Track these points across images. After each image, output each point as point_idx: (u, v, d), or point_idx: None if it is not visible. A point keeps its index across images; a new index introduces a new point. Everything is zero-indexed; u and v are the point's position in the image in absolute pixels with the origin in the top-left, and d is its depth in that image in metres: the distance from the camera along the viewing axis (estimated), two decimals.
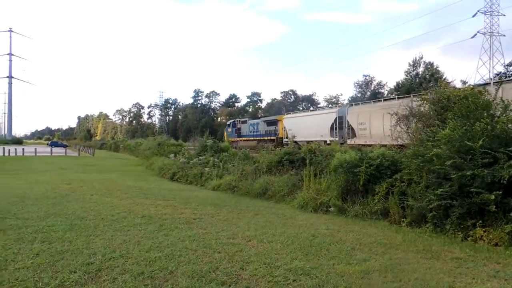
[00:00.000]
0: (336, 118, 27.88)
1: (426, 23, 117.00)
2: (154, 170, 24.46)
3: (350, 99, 75.00)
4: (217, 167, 18.32)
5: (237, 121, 50.38)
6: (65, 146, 73.94)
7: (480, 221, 6.75)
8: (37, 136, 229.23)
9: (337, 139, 26.21)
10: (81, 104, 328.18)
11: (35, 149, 50.58)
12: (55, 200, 10.04)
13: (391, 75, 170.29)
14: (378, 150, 10.37)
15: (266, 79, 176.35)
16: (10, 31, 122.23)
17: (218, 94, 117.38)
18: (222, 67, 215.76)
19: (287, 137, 32.65)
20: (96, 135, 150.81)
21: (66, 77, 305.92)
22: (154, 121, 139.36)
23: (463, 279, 4.71)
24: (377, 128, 22.58)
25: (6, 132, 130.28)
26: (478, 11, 58.18)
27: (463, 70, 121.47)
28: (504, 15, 57.89)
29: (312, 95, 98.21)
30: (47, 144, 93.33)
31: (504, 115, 7.71)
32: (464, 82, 13.92)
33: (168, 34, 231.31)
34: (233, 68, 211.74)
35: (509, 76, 42.27)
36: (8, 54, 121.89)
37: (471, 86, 12.21)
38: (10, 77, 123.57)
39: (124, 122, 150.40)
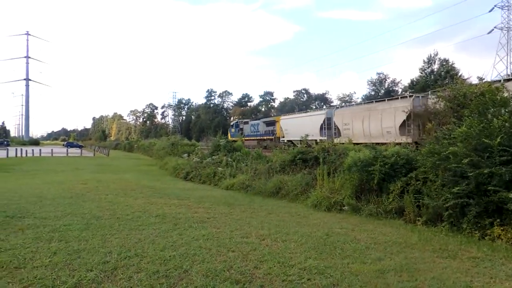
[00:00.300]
0: (325, 119, 30.43)
1: (441, 20, 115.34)
2: (168, 170, 24.64)
3: (363, 98, 74.43)
4: (230, 166, 18.36)
5: (239, 122, 53.54)
6: (80, 147, 75.13)
7: (498, 220, 6.62)
8: (53, 137, 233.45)
9: (326, 138, 28.52)
10: (96, 105, 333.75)
11: (52, 149, 51.49)
12: (72, 199, 10.19)
13: (406, 72, 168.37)
14: (393, 148, 10.27)
15: (279, 79, 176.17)
16: (27, 34, 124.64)
17: (231, 94, 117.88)
18: (235, 67, 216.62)
19: (283, 137, 36.57)
20: (111, 136, 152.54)
21: (81, 79, 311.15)
22: (168, 121, 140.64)
23: (481, 279, 4.63)
24: (358, 128, 25.28)
25: (23, 133, 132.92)
26: (495, 6, 57.08)
27: (479, 66, 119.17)
28: None
29: (325, 93, 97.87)
30: (63, 144, 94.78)
31: None
32: (480, 79, 13.70)
33: (181, 35, 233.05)
34: (246, 67, 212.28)
35: None
36: (25, 57, 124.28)
37: (488, 83, 12.00)
38: (27, 79, 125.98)
39: (138, 123, 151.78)
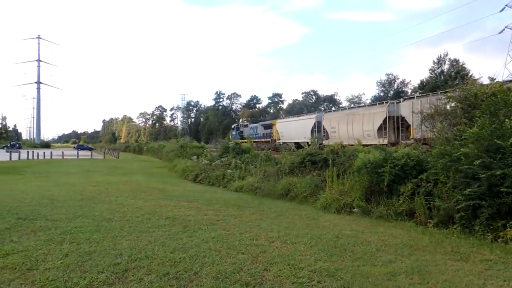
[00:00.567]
0: (315, 122, 33.10)
1: (451, 20, 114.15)
2: (177, 172, 24.74)
3: (372, 99, 74.07)
4: (239, 168, 18.36)
5: (240, 125, 57.61)
6: (90, 149, 75.70)
7: (511, 222, 6.53)
8: (64, 139, 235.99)
9: (315, 140, 30.22)
10: (106, 108, 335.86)
11: (62, 152, 52.03)
12: (82, 202, 10.28)
13: (415, 73, 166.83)
14: (403, 150, 10.18)
15: (288, 80, 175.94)
16: (39, 38, 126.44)
17: (239, 96, 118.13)
18: (244, 69, 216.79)
19: (279, 139, 39.59)
20: (121, 138, 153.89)
21: (91, 82, 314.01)
22: (177, 123, 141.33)
23: (494, 282, 4.57)
24: (343, 131, 28.25)
25: (35, 136, 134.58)
26: (506, 5, 56.16)
27: (490, 67, 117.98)
28: None
29: (334, 95, 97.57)
30: (74, 147, 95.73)
31: None
32: (492, 79, 13.55)
33: (190, 38, 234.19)
34: (255, 69, 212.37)
35: None
36: (36, 60, 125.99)
37: (500, 83, 11.86)
38: (38, 82, 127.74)
39: (148, 125, 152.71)
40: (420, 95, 26.23)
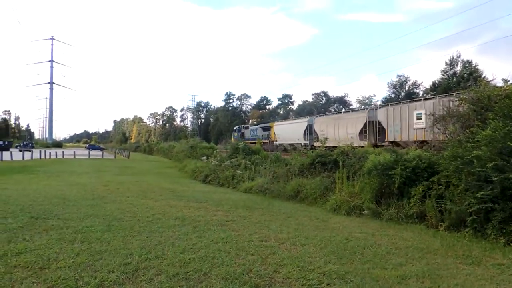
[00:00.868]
0: (307, 126, 35.81)
1: (463, 21, 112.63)
2: (187, 173, 24.85)
3: (383, 100, 73.43)
4: (248, 169, 18.38)
5: (241, 127, 60.52)
6: (102, 149, 76.55)
7: None
8: (76, 139, 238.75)
9: (308, 142, 34.97)
10: (117, 108, 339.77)
11: (74, 152, 52.65)
12: (93, 201, 10.37)
13: (427, 74, 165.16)
14: (414, 152, 10.10)
15: (298, 81, 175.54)
16: (52, 39, 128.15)
17: (249, 97, 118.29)
18: (254, 69, 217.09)
19: (276, 140, 42.76)
20: (131, 138, 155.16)
21: (103, 82, 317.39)
22: (187, 124, 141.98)
23: (506, 286, 4.51)
24: (331, 133, 30.94)
25: (47, 136, 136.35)
26: None
27: (504, 68, 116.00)
28: None
29: (344, 96, 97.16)
30: (85, 147, 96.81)
31: None
32: (505, 81, 13.37)
33: (201, 38, 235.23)
34: (264, 70, 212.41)
35: None
36: (49, 61, 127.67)
37: None
38: (51, 83, 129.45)
39: (158, 125, 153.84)
40: (394, 103, 30.57)
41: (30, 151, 49.37)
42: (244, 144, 25.11)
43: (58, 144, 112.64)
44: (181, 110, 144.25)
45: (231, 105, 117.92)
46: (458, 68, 55.40)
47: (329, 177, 12.46)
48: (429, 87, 61.77)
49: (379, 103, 75.14)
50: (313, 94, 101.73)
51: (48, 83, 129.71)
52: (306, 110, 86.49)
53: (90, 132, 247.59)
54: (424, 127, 21.37)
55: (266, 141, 46.44)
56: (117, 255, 5.32)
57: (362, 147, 21.58)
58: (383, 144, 24.28)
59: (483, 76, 47.80)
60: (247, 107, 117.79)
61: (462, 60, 55.30)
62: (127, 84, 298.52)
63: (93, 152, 58.47)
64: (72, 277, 4.45)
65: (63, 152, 51.37)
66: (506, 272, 5.05)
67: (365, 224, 8.49)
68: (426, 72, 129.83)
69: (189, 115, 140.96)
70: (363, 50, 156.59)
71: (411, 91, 71.59)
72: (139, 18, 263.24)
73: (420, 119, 22.34)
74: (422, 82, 74.71)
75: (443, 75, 56.80)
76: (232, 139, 55.45)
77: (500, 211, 6.64)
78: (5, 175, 19.31)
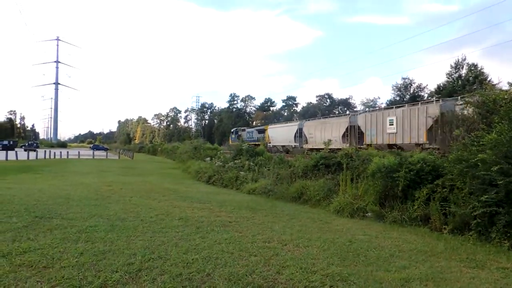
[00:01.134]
0: (297, 129, 37.70)
1: (469, 24, 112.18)
2: (191, 173, 24.88)
3: (388, 103, 73.11)
4: (252, 170, 18.38)
5: (238, 129, 61.73)
6: (106, 150, 76.81)
7: None
8: (80, 139, 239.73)
9: (298, 144, 37.05)
10: (121, 109, 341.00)
11: (79, 152, 52.90)
12: (97, 201, 10.41)
13: (432, 77, 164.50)
14: (419, 154, 10.06)
15: (302, 83, 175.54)
16: (57, 39, 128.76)
17: (253, 98, 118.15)
18: (258, 71, 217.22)
19: (270, 142, 44.36)
20: (135, 139, 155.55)
21: (108, 83, 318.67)
22: (191, 125, 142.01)
23: None
24: (318, 136, 32.65)
25: (52, 136, 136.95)
26: None
27: (510, 72, 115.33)
28: None
29: (349, 98, 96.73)
30: (90, 147, 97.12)
31: None
32: (511, 84, 13.31)
33: (205, 40, 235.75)
34: (269, 72, 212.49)
35: None
36: (55, 61, 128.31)
37: None
38: (56, 83, 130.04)
39: (162, 126, 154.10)
40: (372, 109, 34.13)
41: (35, 151, 49.62)
42: (248, 146, 25.13)
43: (62, 144, 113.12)
44: (185, 111, 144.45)
45: (235, 106, 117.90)
46: (463, 71, 55.09)
47: (333, 179, 12.46)
48: (434, 90, 61.48)
49: (383, 105, 74.92)
50: (317, 96, 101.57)
51: (54, 83, 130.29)
52: (310, 112, 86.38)
53: (95, 132, 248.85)
54: (395, 131, 24.38)
55: (260, 143, 47.83)
56: (121, 255, 5.33)
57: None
58: (361, 147, 26.16)
59: (488, 79, 47.56)
60: (251, 108, 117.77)
61: (468, 63, 54.98)
62: (131, 85, 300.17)
63: (97, 153, 58.63)
64: (76, 276, 4.46)
65: (67, 152, 51.57)
66: (510, 276, 5.03)
67: (369, 226, 8.47)
68: (431, 75, 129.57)
69: (193, 116, 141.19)
70: (367, 53, 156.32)
71: (416, 94, 71.19)
72: (144, 19, 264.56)
73: (392, 124, 24.93)
74: (427, 85, 74.61)
75: (448, 78, 56.50)
76: (230, 141, 57.80)
77: (504, 214, 6.61)
78: (10, 174, 19.43)
